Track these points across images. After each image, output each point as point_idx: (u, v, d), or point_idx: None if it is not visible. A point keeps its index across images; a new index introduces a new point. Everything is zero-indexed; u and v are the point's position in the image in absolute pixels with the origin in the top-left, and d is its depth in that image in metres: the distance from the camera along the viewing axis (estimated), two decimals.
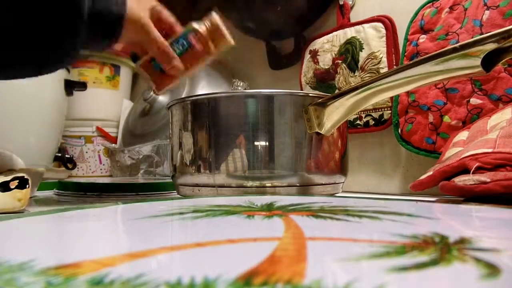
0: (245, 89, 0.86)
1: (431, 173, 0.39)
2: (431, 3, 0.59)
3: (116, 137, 1.14)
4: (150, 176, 0.86)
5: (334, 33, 0.71)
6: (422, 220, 0.21)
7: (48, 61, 0.40)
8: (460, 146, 0.43)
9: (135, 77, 1.32)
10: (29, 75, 0.41)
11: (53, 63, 0.40)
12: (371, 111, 0.65)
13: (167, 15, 0.45)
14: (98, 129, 1.12)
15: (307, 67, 0.75)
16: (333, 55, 0.70)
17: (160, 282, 0.10)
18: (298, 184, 0.43)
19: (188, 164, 0.45)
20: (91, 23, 0.38)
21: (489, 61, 0.32)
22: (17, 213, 0.36)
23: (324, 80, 0.71)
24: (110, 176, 1.08)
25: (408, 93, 0.58)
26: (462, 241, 0.15)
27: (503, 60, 0.32)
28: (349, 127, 0.67)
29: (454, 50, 0.32)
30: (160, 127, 0.86)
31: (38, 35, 0.37)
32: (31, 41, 0.37)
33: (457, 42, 0.53)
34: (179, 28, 0.45)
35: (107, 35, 0.41)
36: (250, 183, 0.43)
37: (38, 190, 0.55)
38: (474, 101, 0.51)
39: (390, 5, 0.67)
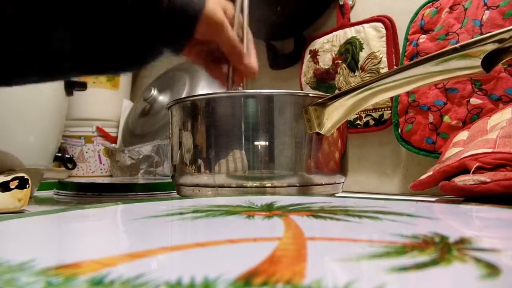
0: (245, 89, 0.86)
1: (431, 173, 0.39)
2: (431, 3, 0.59)
3: (116, 137, 1.14)
4: (150, 176, 0.86)
5: (334, 33, 0.71)
6: (422, 220, 0.21)
7: (124, 59, 0.38)
8: (460, 146, 0.43)
9: (135, 77, 1.32)
10: (106, 71, 0.40)
11: (129, 62, 0.39)
12: (371, 111, 0.65)
13: (236, 14, 0.44)
14: (98, 129, 1.12)
15: (307, 67, 0.75)
16: (333, 55, 0.70)
17: (160, 282, 0.10)
18: (298, 184, 0.43)
19: (188, 164, 0.45)
20: (169, 17, 0.36)
21: (489, 61, 0.32)
22: (17, 213, 0.36)
23: (324, 80, 0.71)
24: (110, 176, 1.08)
25: (408, 93, 0.58)
26: (462, 241, 0.15)
27: (504, 60, 0.32)
28: (349, 127, 0.67)
29: (454, 50, 0.32)
30: (160, 127, 0.86)
31: (119, 30, 0.35)
32: (109, 36, 0.35)
33: (457, 42, 0.53)
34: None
35: (184, 32, 0.38)
36: (250, 183, 0.43)
37: (38, 190, 0.55)
38: (474, 101, 0.51)
39: (390, 5, 0.67)
